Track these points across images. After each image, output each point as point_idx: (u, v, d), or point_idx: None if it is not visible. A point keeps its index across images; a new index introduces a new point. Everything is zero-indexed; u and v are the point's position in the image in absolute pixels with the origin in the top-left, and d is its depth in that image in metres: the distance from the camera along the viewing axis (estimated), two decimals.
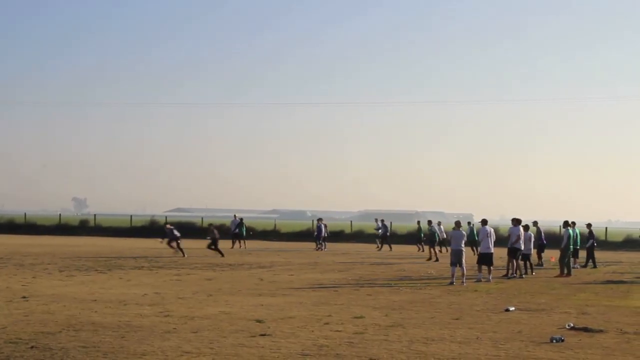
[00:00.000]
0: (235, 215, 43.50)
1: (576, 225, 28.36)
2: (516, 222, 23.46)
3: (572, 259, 27.58)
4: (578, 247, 28.40)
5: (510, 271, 23.30)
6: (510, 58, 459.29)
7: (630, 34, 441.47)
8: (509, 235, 23.42)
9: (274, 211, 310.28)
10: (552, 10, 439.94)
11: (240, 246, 39.97)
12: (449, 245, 40.20)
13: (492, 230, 22.53)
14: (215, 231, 32.73)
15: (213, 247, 31.90)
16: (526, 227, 25.24)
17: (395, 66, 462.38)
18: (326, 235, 41.63)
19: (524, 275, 23.46)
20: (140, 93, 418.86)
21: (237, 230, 41.38)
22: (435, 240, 32.62)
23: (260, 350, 10.30)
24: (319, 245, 40.32)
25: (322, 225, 40.93)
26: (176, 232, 32.00)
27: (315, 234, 42.09)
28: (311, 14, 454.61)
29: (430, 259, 31.28)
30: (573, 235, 25.86)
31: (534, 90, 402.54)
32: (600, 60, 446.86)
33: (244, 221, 41.97)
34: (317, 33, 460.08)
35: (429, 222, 33.28)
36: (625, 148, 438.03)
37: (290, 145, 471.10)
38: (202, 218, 64.03)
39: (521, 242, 23.31)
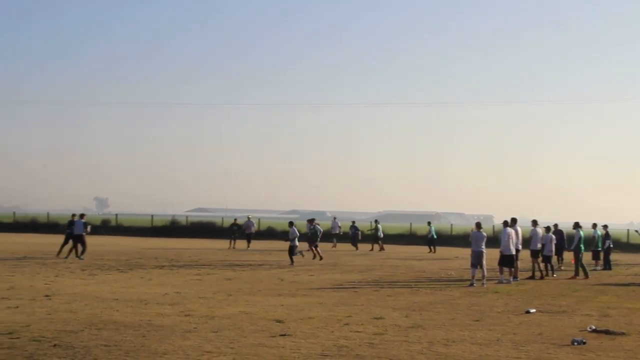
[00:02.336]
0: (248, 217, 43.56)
1: (597, 227, 28.28)
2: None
3: (593, 261, 27.53)
4: (599, 249, 28.26)
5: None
6: (532, 58, 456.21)
7: None
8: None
9: (293, 211, 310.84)
10: (572, 11, 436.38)
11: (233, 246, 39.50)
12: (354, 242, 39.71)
13: (514, 231, 22.22)
14: None
15: None
16: (547, 229, 25.11)
17: (415, 67, 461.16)
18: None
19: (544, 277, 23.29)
20: (157, 93, 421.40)
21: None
22: (316, 240, 31.57)
23: (281, 350, 10.34)
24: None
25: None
26: None
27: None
28: (329, 14, 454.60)
29: (315, 257, 30.57)
30: (596, 236, 25.77)
31: (556, 91, 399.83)
32: (626, 61, 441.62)
33: (237, 221, 41.50)
34: (335, 33, 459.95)
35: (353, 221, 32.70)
36: None
37: (310, 146, 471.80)
38: (222, 218, 64.23)
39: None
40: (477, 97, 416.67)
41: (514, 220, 22.68)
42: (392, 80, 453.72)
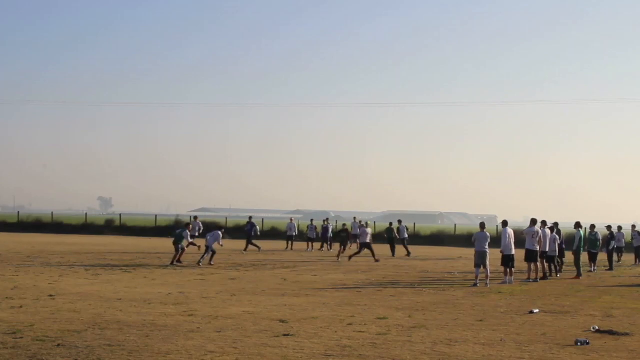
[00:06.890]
0: (291, 219, 43.73)
1: (596, 228, 28.13)
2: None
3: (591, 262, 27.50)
4: (596, 251, 27.98)
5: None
6: (535, 60, 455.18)
7: None
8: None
9: (297, 212, 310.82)
10: (579, 12, 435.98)
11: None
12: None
13: (513, 232, 22.28)
14: None
15: None
16: (552, 229, 25.07)
17: (418, 67, 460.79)
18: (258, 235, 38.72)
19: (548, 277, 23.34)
20: (162, 93, 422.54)
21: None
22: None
23: (284, 350, 10.35)
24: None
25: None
26: None
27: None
28: (331, 15, 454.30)
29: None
30: (598, 237, 25.71)
31: (559, 92, 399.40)
32: (632, 61, 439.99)
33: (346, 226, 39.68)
34: (338, 33, 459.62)
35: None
36: None
37: (314, 146, 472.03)
38: (226, 218, 64.36)
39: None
40: (482, 98, 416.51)
41: (533, 221, 22.86)
42: (397, 80, 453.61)
